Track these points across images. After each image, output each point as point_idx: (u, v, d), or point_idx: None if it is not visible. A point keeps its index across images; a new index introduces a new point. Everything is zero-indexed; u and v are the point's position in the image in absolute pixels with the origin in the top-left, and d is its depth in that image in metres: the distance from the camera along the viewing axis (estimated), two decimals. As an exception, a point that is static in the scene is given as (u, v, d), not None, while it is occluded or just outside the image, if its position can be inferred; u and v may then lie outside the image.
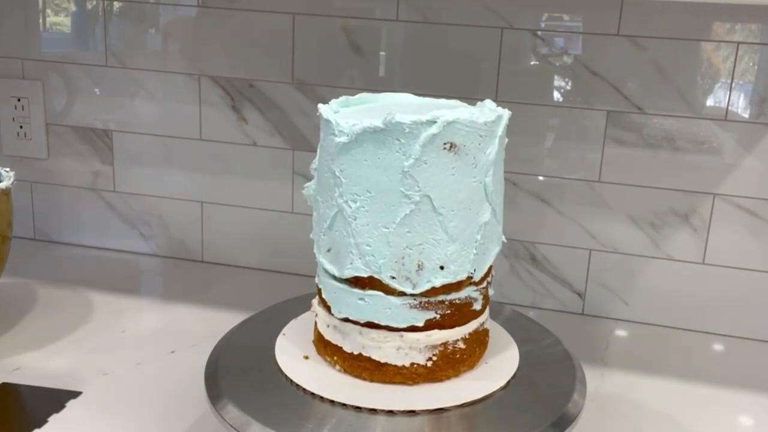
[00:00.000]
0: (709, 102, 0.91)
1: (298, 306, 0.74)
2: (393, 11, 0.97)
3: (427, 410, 0.58)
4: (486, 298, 0.65)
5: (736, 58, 0.89)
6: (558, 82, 0.95)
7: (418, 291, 0.59)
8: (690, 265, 0.95)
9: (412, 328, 0.61)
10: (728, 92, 0.90)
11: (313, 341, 0.67)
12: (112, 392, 0.75)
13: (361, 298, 0.60)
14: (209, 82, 1.05)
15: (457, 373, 0.63)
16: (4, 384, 0.76)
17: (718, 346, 0.94)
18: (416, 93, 0.70)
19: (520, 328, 0.72)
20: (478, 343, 0.65)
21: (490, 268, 0.64)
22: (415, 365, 0.61)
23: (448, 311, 0.61)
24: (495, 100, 0.94)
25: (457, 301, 0.61)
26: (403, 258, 0.58)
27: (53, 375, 0.78)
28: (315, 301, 0.67)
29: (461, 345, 0.62)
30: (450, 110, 0.58)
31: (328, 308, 0.63)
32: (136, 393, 0.75)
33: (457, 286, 0.61)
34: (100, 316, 0.93)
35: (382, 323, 0.60)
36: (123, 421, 0.71)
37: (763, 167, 0.90)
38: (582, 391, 0.63)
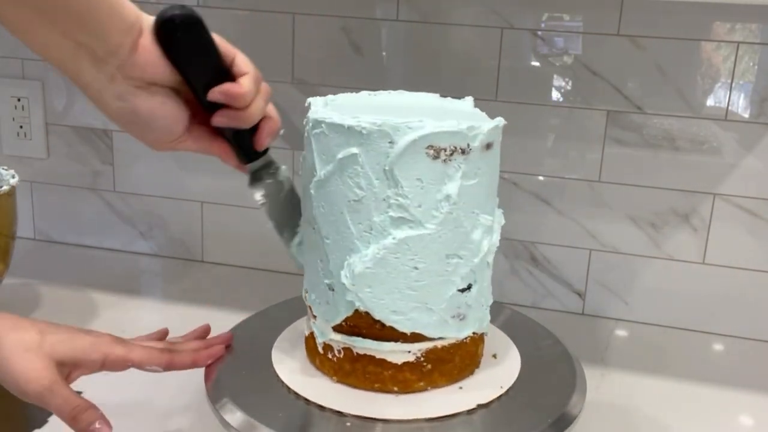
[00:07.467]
0: (709, 102, 0.91)
1: (298, 306, 0.74)
2: (393, 11, 0.97)
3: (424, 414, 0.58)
4: None
5: (736, 58, 0.89)
6: (558, 82, 0.95)
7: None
8: (690, 265, 0.95)
9: None
10: (728, 92, 0.90)
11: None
12: (112, 392, 0.75)
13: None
14: (209, 82, 1.05)
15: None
16: (4, 384, 0.76)
17: (718, 346, 0.94)
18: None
19: (520, 329, 0.72)
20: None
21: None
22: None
23: None
24: (495, 100, 0.95)
25: None
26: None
27: (53, 375, 0.78)
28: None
29: None
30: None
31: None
32: (136, 393, 0.75)
33: None
34: (100, 316, 0.93)
35: None
36: (123, 421, 0.71)
37: (763, 167, 0.90)
38: (582, 391, 0.63)
